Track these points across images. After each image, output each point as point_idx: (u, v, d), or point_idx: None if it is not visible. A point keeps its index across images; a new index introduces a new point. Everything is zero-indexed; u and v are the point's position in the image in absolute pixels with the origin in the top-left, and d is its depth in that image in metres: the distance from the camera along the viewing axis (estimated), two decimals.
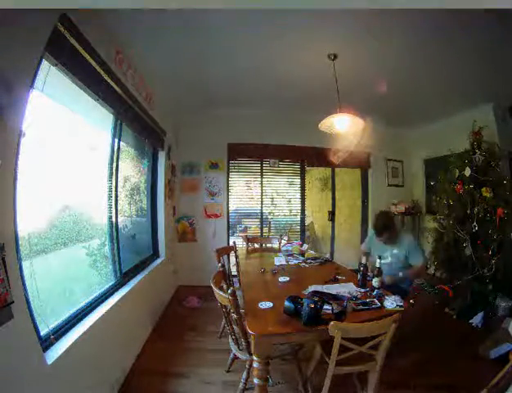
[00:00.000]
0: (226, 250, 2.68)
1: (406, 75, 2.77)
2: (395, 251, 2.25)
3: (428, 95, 3.25)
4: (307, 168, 4.44)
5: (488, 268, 2.64)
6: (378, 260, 1.77)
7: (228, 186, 4.10)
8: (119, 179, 2.24)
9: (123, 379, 1.90)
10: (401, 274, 2.15)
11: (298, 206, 4.42)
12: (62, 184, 1.71)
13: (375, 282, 1.70)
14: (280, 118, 4.01)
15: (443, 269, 3.07)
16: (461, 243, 2.82)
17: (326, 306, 1.35)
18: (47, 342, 1.28)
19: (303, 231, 4.43)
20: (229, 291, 1.38)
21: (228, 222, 4.11)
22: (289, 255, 2.73)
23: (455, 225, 2.87)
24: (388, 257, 2.26)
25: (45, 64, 1.28)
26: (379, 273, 1.73)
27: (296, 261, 2.55)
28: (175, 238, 3.88)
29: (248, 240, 3.31)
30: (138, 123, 2.48)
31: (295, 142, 4.17)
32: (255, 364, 1.32)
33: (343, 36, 2.16)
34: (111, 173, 2.15)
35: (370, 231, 2.46)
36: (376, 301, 1.54)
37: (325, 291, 1.63)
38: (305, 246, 3.04)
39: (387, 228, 2.20)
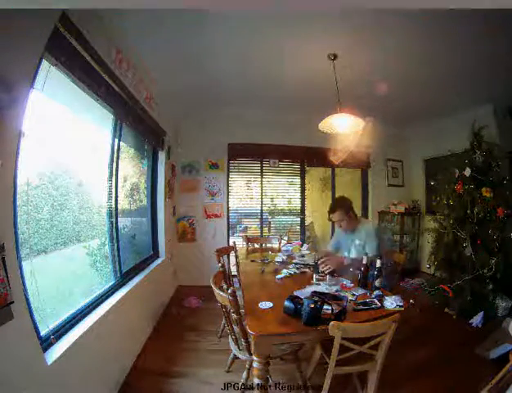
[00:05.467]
0: (226, 250, 2.67)
1: (405, 75, 2.77)
2: (357, 242, 2.20)
3: (428, 95, 3.26)
4: (307, 168, 4.44)
5: (488, 268, 2.64)
6: (378, 260, 1.76)
7: (228, 186, 4.10)
8: (119, 179, 2.24)
9: (123, 379, 1.90)
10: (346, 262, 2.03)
11: (298, 206, 4.42)
12: (62, 184, 1.71)
13: (378, 282, 1.70)
14: (280, 118, 4.01)
15: (443, 269, 3.07)
16: (461, 243, 2.82)
17: (326, 306, 1.35)
18: (47, 342, 1.28)
19: (303, 231, 4.43)
20: (229, 291, 1.39)
21: (228, 222, 4.11)
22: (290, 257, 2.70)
23: (455, 225, 2.88)
24: (352, 250, 2.23)
25: (45, 64, 1.28)
26: (380, 273, 1.73)
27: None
28: (175, 238, 3.88)
29: (248, 240, 3.31)
30: (138, 123, 2.48)
31: (295, 142, 4.17)
32: (255, 364, 1.32)
33: (343, 36, 2.16)
34: (111, 173, 2.15)
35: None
36: (376, 301, 1.53)
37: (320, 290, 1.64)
38: (305, 246, 3.04)
39: (339, 206, 2.21)
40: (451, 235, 2.89)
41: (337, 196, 2.45)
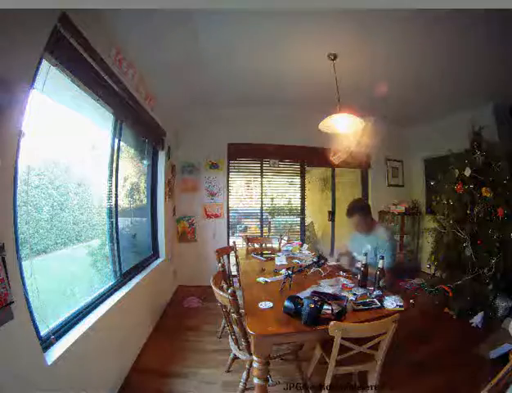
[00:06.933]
0: (227, 251, 2.67)
1: (405, 75, 2.77)
2: (368, 246, 2.12)
3: (428, 95, 3.26)
4: (307, 168, 4.44)
5: (488, 268, 2.64)
6: (380, 261, 1.76)
7: (228, 186, 4.10)
8: (119, 179, 2.24)
9: (123, 379, 1.90)
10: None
11: (298, 206, 4.41)
12: (62, 184, 1.71)
13: (382, 283, 1.69)
14: (280, 118, 4.01)
15: (443, 269, 3.07)
16: (461, 243, 2.82)
17: (326, 306, 1.35)
18: (47, 342, 1.28)
19: (303, 231, 4.43)
20: (229, 291, 1.39)
21: (228, 222, 4.11)
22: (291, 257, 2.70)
23: (455, 225, 2.88)
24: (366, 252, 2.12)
25: (45, 64, 1.28)
26: (383, 273, 1.73)
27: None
28: (175, 238, 3.88)
29: (248, 240, 3.31)
30: (138, 123, 2.48)
31: (295, 142, 4.16)
32: (255, 364, 1.32)
33: (343, 36, 2.16)
34: (111, 173, 2.15)
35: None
36: (376, 301, 1.54)
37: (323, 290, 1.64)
38: (305, 246, 3.04)
39: (358, 208, 2.16)
40: (451, 235, 2.90)
41: (356, 198, 2.33)
